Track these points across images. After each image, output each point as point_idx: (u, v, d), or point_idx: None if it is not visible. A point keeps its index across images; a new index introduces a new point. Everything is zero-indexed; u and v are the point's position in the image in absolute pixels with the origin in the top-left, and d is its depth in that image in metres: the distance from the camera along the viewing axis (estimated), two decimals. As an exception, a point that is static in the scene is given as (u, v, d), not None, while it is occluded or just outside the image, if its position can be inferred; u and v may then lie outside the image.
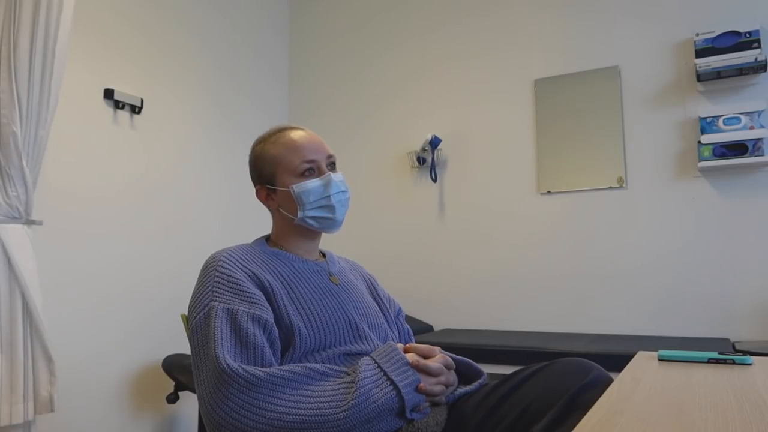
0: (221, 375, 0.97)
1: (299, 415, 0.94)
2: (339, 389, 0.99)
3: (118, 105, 2.51)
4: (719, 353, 1.05)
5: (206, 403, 0.99)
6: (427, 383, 1.04)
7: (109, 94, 2.46)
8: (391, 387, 1.00)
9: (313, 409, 0.95)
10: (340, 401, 0.96)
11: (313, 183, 1.22)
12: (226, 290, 1.08)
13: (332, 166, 1.27)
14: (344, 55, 3.55)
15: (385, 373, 1.02)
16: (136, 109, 2.58)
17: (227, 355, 0.99)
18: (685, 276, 2.62)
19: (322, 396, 0.97)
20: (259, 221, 1.37)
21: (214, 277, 1.11)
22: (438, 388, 1.07)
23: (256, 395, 0.96)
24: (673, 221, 2.67)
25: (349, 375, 1.03)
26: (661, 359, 1.09)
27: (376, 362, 1.04)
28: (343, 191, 1.26)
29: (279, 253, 1.23)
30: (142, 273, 2.57)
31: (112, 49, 2.51)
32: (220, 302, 1.06)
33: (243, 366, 0.98)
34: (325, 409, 0.95)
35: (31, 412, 1.86)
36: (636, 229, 2.74)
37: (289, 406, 0.95)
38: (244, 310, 1.05)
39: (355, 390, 0.97)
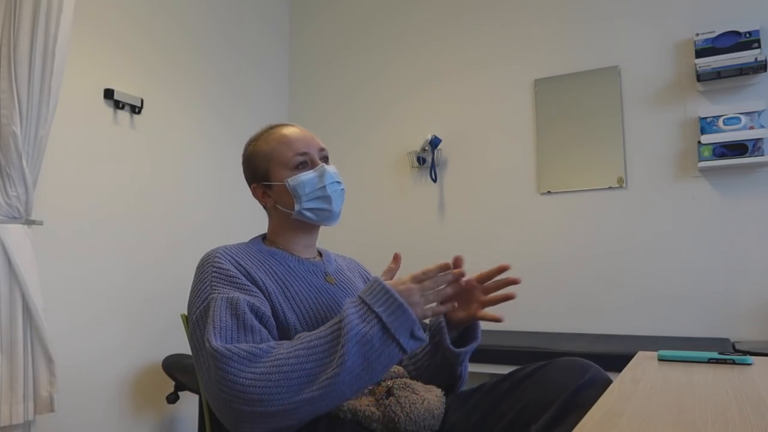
0: (220, 357, 0.95)
1: (303, 370, 0.93)
2: (330, 333, 0.97)
3: (118, 105, 2.51)
4: (719, 353, 1.05)
5: (214, 394, 0.95)
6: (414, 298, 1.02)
7: (109, 94, 2.46)
8: (374, 317, 0.97)
9: (313, 360, 0.94)
10: (335, 345, 0.95)
11: (307, 175, 1.22)
12: (224, 283, 1.08)
13: (325, 159, 1.28)
14: (344, 54, 3.55)
15: (369, 307, 0.98)
16: (136, 109, 2.58)
17: (222, 339, 0.98)
18: (685, 276, 2.62)
19: (318, 345, 0.96)
20: (261, 221, 1.37)
21: (211, 273, 1.10)
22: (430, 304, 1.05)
23: (257, 365, 0.94)
24: (673, 221, 2.67)
25: (336, 320, 1.00)
26: (661, 359, 1.09)
27: (360, 299, 1.01)
28: (337, 182, 1.26)
29: (275, 252, 1.23)
30: (143, 272, 2.57)
31: (112, 49, 2.51)
32: (219, 293, 1.05)
33: (238, 345, 0.97)
34: (325, 358, 0.94)
35: (31, 412, 1.86)
36: (636, 229, 2.74)
37: (291, 363, 0.94)
38: (244, 298, 1.04)
39: (344, 326, 0.95)
